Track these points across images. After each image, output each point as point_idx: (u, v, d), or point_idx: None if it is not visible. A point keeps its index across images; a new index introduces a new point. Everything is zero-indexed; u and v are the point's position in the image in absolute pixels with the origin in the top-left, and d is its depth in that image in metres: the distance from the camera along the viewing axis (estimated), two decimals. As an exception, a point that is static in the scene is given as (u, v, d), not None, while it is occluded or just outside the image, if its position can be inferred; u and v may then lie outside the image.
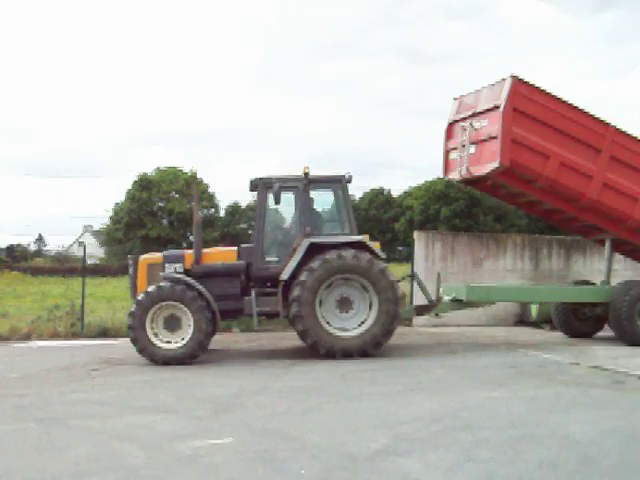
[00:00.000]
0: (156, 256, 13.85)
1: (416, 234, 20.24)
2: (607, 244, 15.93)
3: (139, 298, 12.64)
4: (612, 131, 14.24)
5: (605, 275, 15.90)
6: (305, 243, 12.67)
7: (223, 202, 70.43)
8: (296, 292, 12.46)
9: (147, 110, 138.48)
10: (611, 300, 14.80)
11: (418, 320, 19.82)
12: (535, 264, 17.86)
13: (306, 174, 13.14)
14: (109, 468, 6.21)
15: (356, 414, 8.43)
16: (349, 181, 13.56)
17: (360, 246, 12.75)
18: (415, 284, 16.04)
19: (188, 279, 12.80)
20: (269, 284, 13.28)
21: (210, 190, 65.46)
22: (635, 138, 14.58)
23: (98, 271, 46.60)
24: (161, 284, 12.69)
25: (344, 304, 12.88)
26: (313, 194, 13.55)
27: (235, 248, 13.84)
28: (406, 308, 15.82)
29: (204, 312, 12.53)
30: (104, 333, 16.65)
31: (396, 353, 13.75)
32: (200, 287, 12.65)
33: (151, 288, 12.66)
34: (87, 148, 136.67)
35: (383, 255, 13.13)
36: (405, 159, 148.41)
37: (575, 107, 14.18)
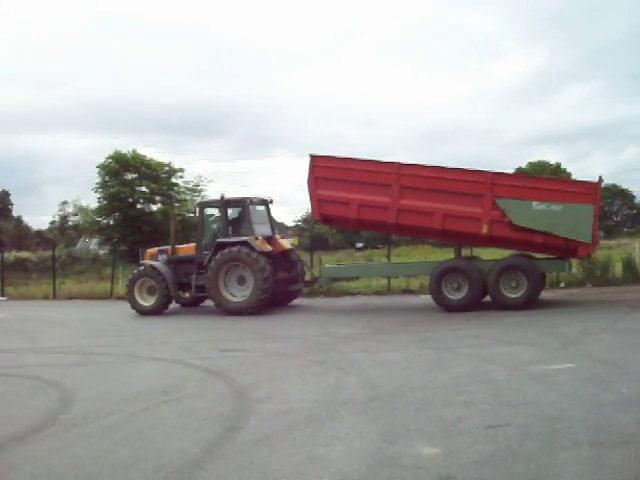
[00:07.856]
0: (154, 249, 16.50)
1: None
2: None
3: (131, 275, 16.00)
4: (396, 167, 13.73)
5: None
6: (215, 242, 14.78)
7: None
8: (208, 272, 14.59)
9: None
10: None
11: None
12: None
13: (222, 197, 15.03)
14: (480, 382, 6.74)
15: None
16: (253, 202, 15.33)
17: (245, 244, 14.28)
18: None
19: (156, 264, 15.45)
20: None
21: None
22: (420, 165, 13.92)
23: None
24: (141, 267, 15.71)
25: (241, 281, 14.69)
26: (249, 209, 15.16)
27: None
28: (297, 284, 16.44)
29: (163, 285, 15.09)
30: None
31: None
32: (163, 270, 15.28)
33: (137, 269, 15.98)
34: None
35: (262, 249, 14.18)
36: None
37: (365, 160, 14.27)
